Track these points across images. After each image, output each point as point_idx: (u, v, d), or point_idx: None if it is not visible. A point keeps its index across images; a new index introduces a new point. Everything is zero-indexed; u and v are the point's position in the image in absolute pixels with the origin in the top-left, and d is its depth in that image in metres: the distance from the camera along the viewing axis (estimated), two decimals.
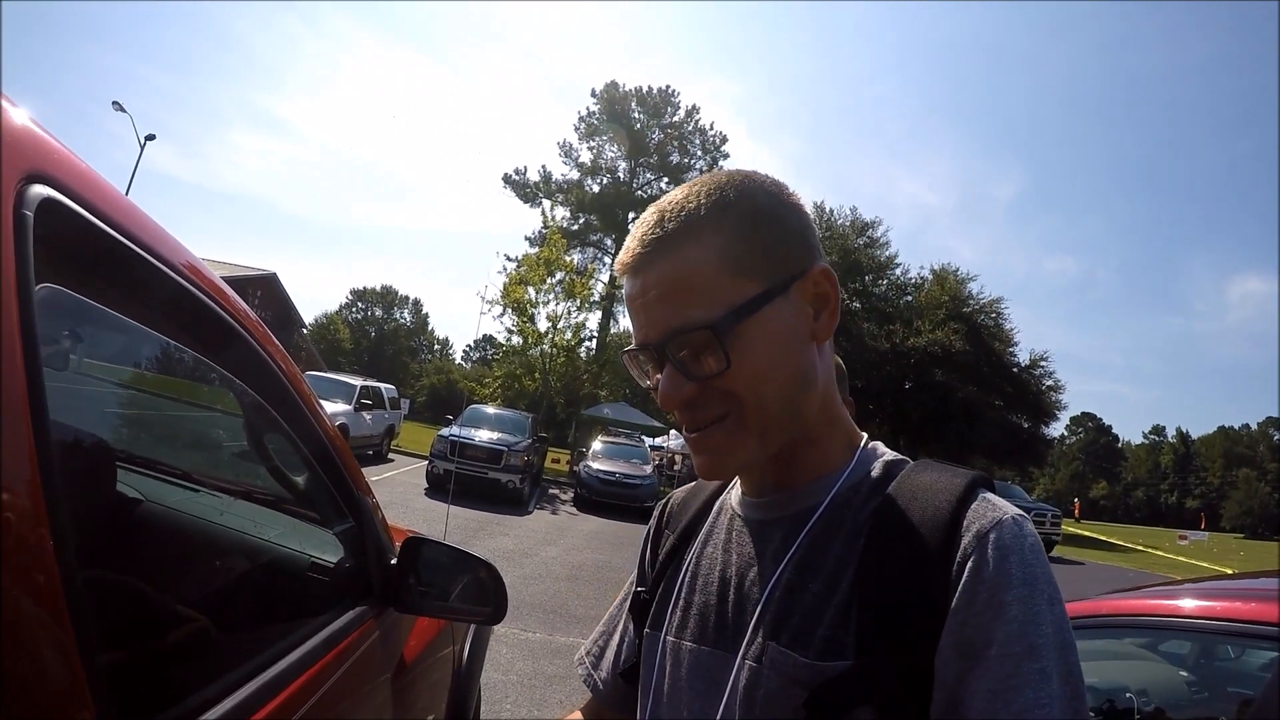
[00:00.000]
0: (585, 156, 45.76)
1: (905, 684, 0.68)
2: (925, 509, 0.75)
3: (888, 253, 34.50)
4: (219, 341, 1.16)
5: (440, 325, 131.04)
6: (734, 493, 0.94)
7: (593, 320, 30.70)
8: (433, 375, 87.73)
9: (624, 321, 49.04)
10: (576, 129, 46.02)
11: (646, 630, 0.94)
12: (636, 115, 45.36)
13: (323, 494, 1.58)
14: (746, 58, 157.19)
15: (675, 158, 45.58)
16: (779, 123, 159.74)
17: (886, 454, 0.87)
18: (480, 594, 1.74)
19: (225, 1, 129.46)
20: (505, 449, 15.87)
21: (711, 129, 45.87)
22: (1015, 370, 32.28)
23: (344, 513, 1.61)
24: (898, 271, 34.73)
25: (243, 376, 1.28)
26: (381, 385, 21.50)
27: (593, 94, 46.24)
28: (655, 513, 1.09)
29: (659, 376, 0.82)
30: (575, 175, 45.34)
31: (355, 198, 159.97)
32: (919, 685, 0.68)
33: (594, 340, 31.50)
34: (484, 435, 16.28)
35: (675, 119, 45.70)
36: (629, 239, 0.84)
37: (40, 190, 0.75)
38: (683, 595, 0.91)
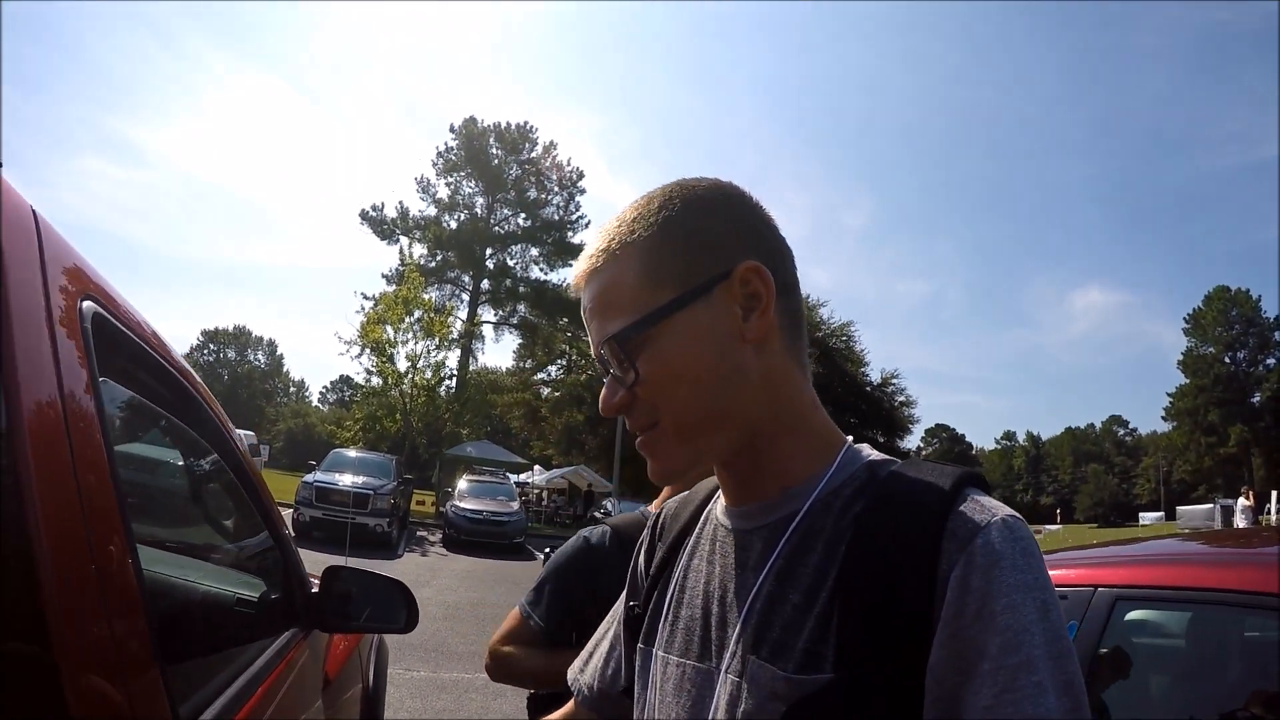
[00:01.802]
0: (443, 192, 45.52)
1: (887, 698, 0.66)
2: (909, 513, 0.72)
3: None
4: (189, 411, 1.42)
5: (295, 367, 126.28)
6: (719, 503, 0.92)
7: (452, 359, 30.52)
8: (289, 419, 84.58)
9: (483, 358, 48.97)
10: (435, 165, 45.78)
11: (640, 645, 0.93)
12: (495, 151, 45.58)
13: (257, 536, 1.82)
14: (607, 90, 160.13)
15: (533, 193, 45.91)
16: (640, 155, 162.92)
17: (871, 455, 0.83)
18: (393, 609, 1.99)
19: (75, 12, 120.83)
20: (371, 493, 15.70)
21: (569, 164, 46.56)
22: (868, 389, 34.02)
23: (273, 550, 1.85)
24: None
25: (206, 438, 1.53)
26: (240, 432, 20.74)
27: (451, 129, 46.20)
28: (649, 525, 1.08)
29: None
30: (433, 211, 44.99)
31: (208, 231, 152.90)
32: (902, 699, 0.66)
33: (454, 379, 31.28)
34: (348, 480, 16.01)
35: (533, 155, 46.13)
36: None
37: (90, 306, 1.01)
38: (671, 609, 0.89)
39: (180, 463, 1.66)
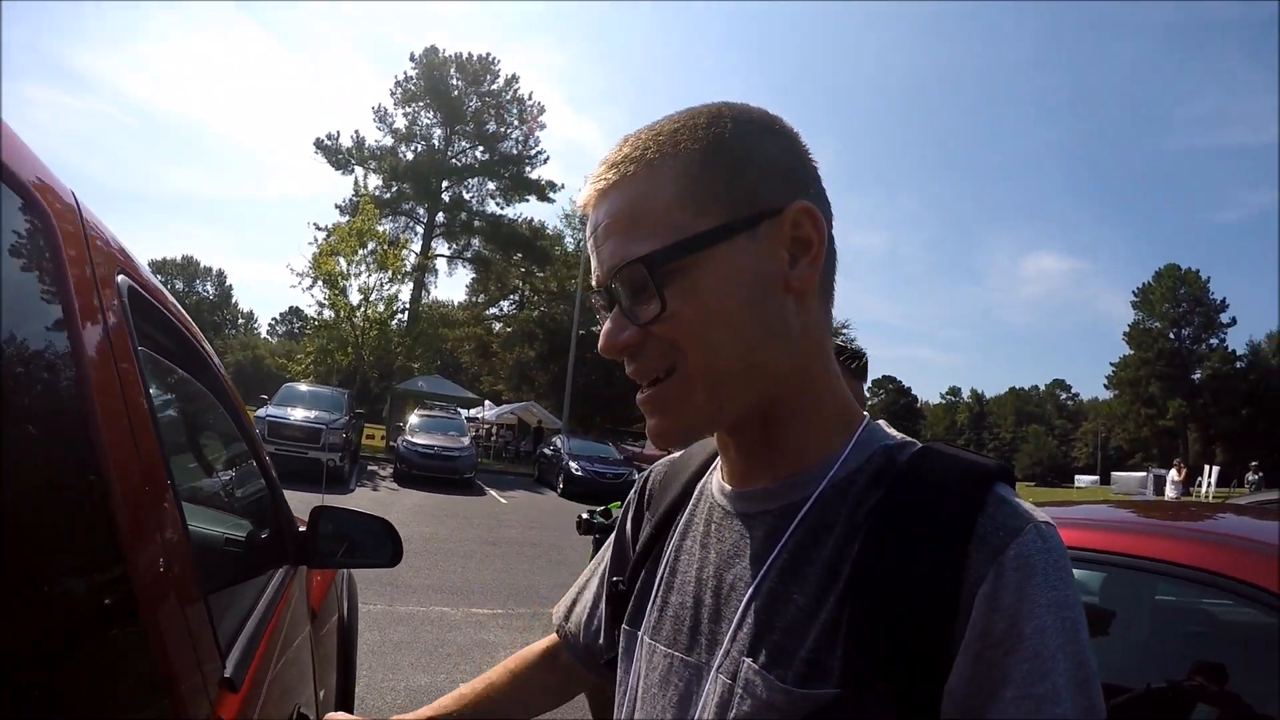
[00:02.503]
0: (400, 123, 44.47)
1: (897, 718, 0.60)
2: (931, 511, 0.65)
3: None
4: (196, 364, 1.52)
5: (244, 298, 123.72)
6: (715, 476, 0.84)
7: (405, 292, 30.31)
8: (238, 352, 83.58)
9: (435, 292, 48.53)
10: (393, 94, 44.51)
11: (625, 626, 0.86)
12: (455, 82, 44.48)
13: (253, 478, 1.93)
14: (572, 25, 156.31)
15: (492, 126, 45.06)
16: (602, 94, 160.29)
17: (890, 436, 0.76)
18: (379, 544, 2.11)
19: None
20: (323, 427, 15.68)
21: (530, 99, 45.64)
22: None
23: (265, 491, 1.96)
24: None
25: (210, 389, 1.63)
26: None
27: (412, 58, 44.93)
28: (635, 488, 1.00)
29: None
30: (389, 142, 44.00)
31: (153, 160, 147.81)
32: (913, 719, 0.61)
33: (406, 313, 31.05)
34: (300, 414, 16.00)
35: (494, 87, 45.08)
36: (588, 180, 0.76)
37: (124, 280, 1.09)
38: (660, 593, 0.82)
39: (189, 411, 1.75)
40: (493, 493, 18.24)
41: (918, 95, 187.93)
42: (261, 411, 15.93)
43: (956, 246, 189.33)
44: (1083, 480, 52.58)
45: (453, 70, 44.61)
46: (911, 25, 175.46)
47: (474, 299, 47.71)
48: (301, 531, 2.04)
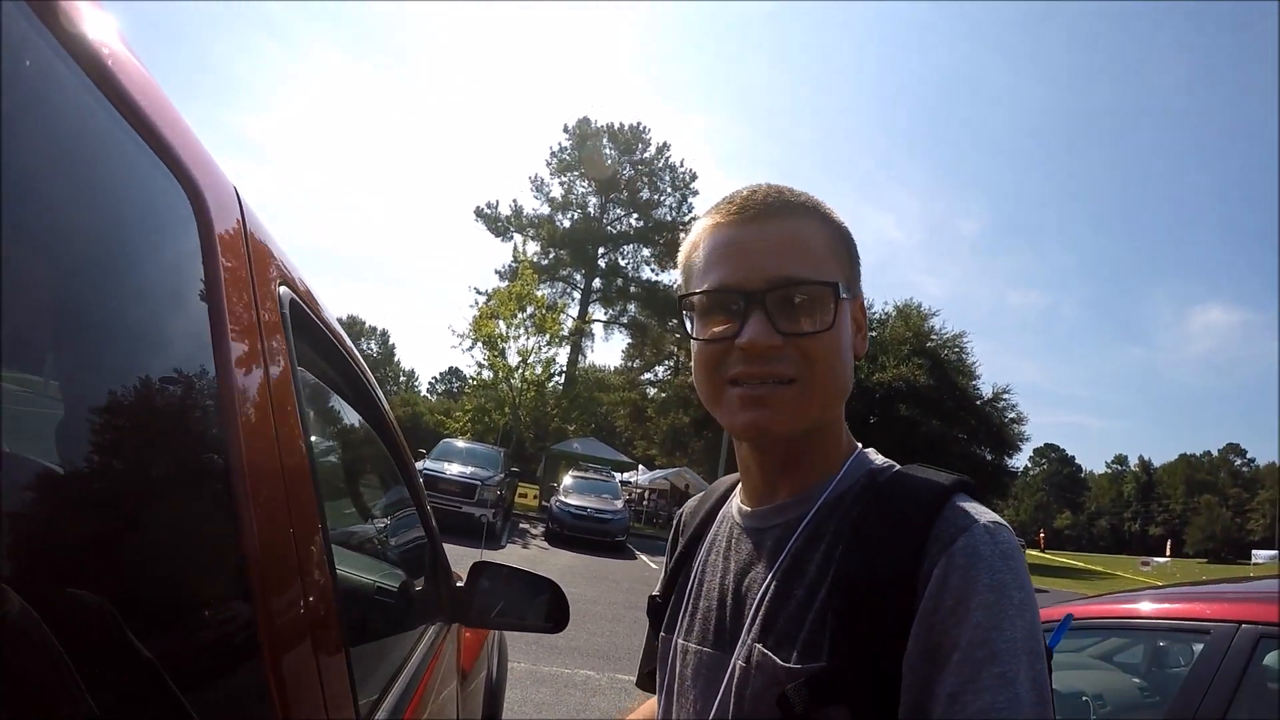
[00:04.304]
0: (556, 191, 46.24)
1: (875, 685, 0.72)
2: (899, 517, 0.78)
3: None
4: (361, 397, 1.44)
5: (406, 357, 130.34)
6: (734, 502, 1.00)
7: (562, 356, 31.01)
8: (399, 408, 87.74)
9: (591, 356, 49.56)
10: (548, 164, 46.52)
11: (661, 634, 1.02)
12: (608, 151, 45.99)
13: (411, 525, 1.85)
14: (715, 89, 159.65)
15: (645, 194, 46.11)
16: (748, 155, 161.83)
17: (875, 461, 0.92)
18: (541, 607, 1.96)
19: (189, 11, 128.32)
20: (478, 483, 15.98)
21: (681, 166, 46.61)
22: (978, 403, 32.75)
23: (424, 540, 1.88)
24: None
25: (375, 428, 1.55)
26: None
27: (565, 129, 46.92)
28: (674, 524, 1.16)
29: (726, 325, 0.86)
30: (546, 210, 45.76)
31: (319, 224, 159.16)
32: (889, 687, 0.72)
33: (563, 376, 31.73)
34: (456, 469, 16.39)
35: (646, 155, 46.36)
36: (731, 201, 0.91)
37: (286, 292, 1.00)
38: (690, 600, 0.97)
39: (349, 445, 1.68)
40: (644, 557, 18.10)
41: (1072, 145, 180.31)
42: (419, 465, 16.45)
43: (1117, 304, 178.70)
44: (1260, 555, 46.95)
45: (605, 140, 46.12)
46: (1058, 72, 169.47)
47: (629, 364, 48.42)
48: (459, 586, 1.94)
